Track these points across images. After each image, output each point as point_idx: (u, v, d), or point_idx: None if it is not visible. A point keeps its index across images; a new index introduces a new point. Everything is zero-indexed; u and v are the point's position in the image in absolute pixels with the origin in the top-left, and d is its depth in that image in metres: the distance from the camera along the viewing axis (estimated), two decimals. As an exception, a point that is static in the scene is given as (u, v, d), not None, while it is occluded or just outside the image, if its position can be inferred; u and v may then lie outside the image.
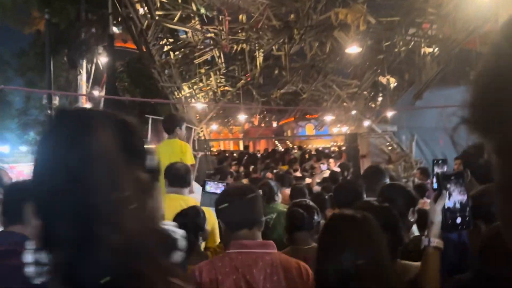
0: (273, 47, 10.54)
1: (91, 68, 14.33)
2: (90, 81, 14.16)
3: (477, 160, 2.18)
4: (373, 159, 13.49)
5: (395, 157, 12.94)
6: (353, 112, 14.54)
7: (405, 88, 12.22)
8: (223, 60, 10.59)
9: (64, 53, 14.47)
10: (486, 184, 1.99)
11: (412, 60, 10.61)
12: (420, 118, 14.08)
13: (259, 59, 10.65)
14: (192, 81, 11.04)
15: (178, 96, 10.71)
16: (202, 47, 10.24)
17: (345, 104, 13.94)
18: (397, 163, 12.87)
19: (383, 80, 12.60)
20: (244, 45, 10.42)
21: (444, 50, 9.29)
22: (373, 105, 13.56)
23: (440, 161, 3.15)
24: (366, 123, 13.75)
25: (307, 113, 15.91)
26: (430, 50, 10.16)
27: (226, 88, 12.10)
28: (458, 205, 1.51)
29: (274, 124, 27.83)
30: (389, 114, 13.48)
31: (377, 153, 13.42)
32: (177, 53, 10.01)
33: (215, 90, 11.89)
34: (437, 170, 2.93)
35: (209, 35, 9.61)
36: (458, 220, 1.49)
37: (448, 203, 1.50)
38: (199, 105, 10.94)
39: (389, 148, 13.13)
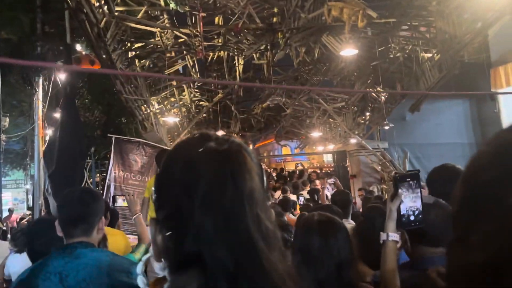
0: (254, 55, 9.29)
1: (48, 86, 12.71)
2: (48, 100, 12.54)
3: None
4: (364, 179, 12.32)
5: (389, 177, 11.79)
6: (339, 128, 13.41)
7: (398, 100, 11.17)
8: (197, 70, 9.25)
9: (18, 70, 12.87)
10: None
11: (408, 68, 9.56)
12: (411, 134, 13.11)
13: (239, 68, 9.37)
14: (162, 95, 9.63)
15: (146, 112, 9.26)
16: (173, 54, 8.89)
17: (331, 120, 12.78)
18: (391, 183, 11.70)
19: (372, 93, 11.54)
20: (222, 52, 9.13)
21: (446, 54, 8.25)
22: (361, 120, 12.46)
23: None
24: (353, 140, 12.62)
25: (288, 132, 14.66)
26: (429, 55, 9.12)
27: (202, 102, 10.75)
28: (412, 204, 1.64)
29: (250, 147, 26.34)
30: (381, 129, 12.41)
31: (369, 172, 12.27)
32: (143, 61, 8.62)
33: (189, 105, 10.51)
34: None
35: (181, 40, 8.28)
36: (412, 217, 1.62)
37: (404, 202, 1.64)
38: (171, 120, 9.51)
39: (381, 166, 11.97)
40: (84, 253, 1.81)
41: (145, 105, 9.22)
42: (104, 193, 9.05)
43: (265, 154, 34.79)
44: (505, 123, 12.65)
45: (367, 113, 12.05)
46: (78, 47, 12.16)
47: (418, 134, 12.98)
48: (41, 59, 12.41)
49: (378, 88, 11.24)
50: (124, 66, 8.53)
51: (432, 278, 1.39)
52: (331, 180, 9.99)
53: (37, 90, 12.55)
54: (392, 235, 1.67)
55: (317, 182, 11.47)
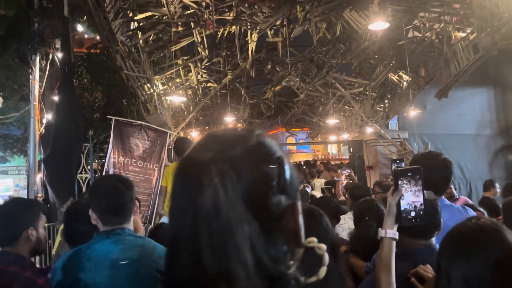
0: (268, 32, 8.42)
1: (45, 65, 11.86)
2: (44, 80, 11.69)
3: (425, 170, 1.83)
4: (382, 171, 11.49)
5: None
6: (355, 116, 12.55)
7: (422, 86, 10.29)
8: (206, 46, 8.37)
9: (14, 47, 12.03)
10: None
11: (437, 49, 8.67)
12: (432, 123, 12.26)
13: (252, 45, 8.50)
14: (167, 74, 8.79)
15: (149, 92, 8.44)
16: (180, 28, 8.02)
17: (346, 107, 11.92)
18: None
19: (393, 77, 10.67)
20: (233, 28, 8.27)
21: (484, 33, 7.36)
22: (378, 108, 11.60)
23: (397, 161, 3.55)
24: (370, 129, 11.77)
25: (299, 120, 13.79)
26: (463, 34, 8.22)
27: (209, 84, 9.90)
28: (414, 200, 1.58)
29: None
30: (401, 118, 11.58)
31: (387, 164, 11.42)
32: (147, 34, 7.76)
33: (196, 87, 9.67)
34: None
35: (188, 12, 7.42)
36: (412, 213, 1.57)
37: (405, 198, 1.57)
38: (176, 99, 8.66)
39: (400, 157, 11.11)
40: (128, 238, 1.87)
41: (148, 85, 8.39)
42: (102, 180, 8.21)
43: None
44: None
45: (386, 100, 11.20)
46: (79, 27, 11.32)
47: (439, 124, 12.14)
48: (39, 36, 11.54)
49: (401, 73, 10.38)
50: (125, 39, 7.70)
51: (413, 282, 1.55)
52: (346, 172, 9.24)
53: (33, 69, 11.67)
54: (390, 232, 1.62)
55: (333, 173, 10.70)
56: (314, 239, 0.75)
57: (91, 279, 1.73)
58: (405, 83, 10.42)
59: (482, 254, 1.27)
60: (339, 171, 9.72)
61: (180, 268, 0.63)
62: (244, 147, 0.68)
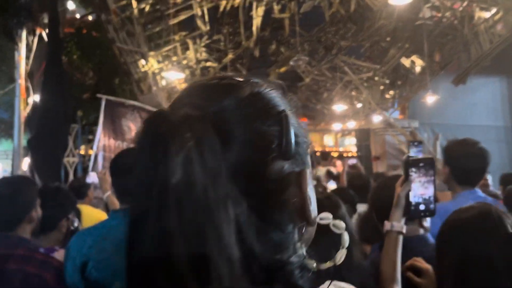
0: (275, 6, 7.68)
1: (32, 40, 11.04)
2: (31, 57, 10.89)
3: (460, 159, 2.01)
4: (389, 161, 10.86)
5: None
6: (359, 104, 11.88)
7: (436, 72, 9.62)
8: (207, 20, 7.63)
9: None
10: (464, 185, 2.08)
11: (457, 31, 7.98)
12: (443, 113, 11.62)
13: (257, 21, 7.75)
14: (163, 51, 8.05)
15: (143, 69, 7.72)
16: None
17: (353, 93, 11.24)
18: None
19: (405, 62, 9.97)
20: (237, 0, 7.52)
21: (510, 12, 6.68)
22: (387, 96, 10.94)
23: (416, 143, 2.84)
24: (377, 117, 11.12)
25: (302, 107, 13.09)
26: (487, 14, 7.53)
27: (209, 63, 9.16)
28: (424, 192, 1.51)
29: None
30: (410, 106, 10.94)
31: (395, 154, 10.79)
32: (143, 4, 7.01)
33: (194, 66, 8.93)
34: (412, 153, 2.53)
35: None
36: (422, 207, 1.52)
37: (414, 190, 1.50)
38: (173, 76, 7.92)
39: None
40: None
41: (143, 61, 7.67)
42: (91, 164, 7.64)
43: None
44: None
45: (397, 87, 10.52)
46: (71, 4, 10.51)
47: (451, 113, 11.51)
48: (26, 9, 10.69)
49: (414, 57, 9.68)
50: (119, 9, 6.94)
51: (409, 276, 1.55)
52: (352, 162, 8.67)
53: (19, 44, 10.83)
54: (396, 225, 1.51)
55: (338, 163, 10.08)
56: (329, 215, 0.65)
57: (106, 260, 1.64)
58: (418, 68, 9.74)
59: (494, 239, 1.26)
60: (345, 160, 9.10)
61: (142, 256, 0.49)
62: (233, 100, 0.53)
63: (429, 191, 1.52)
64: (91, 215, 3.15)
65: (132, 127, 7.88)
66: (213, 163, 0.48)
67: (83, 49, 9.39)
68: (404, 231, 1.53)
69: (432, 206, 1.52)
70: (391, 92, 10.66)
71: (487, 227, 1.28)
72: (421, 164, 1.51)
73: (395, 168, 10.13)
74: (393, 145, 10.72)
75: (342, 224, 0.64)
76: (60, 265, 1.80)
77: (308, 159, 0.60)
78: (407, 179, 1.50)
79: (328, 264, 0.61)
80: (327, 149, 19.46)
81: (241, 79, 0.57)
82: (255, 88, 0.56)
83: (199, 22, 7.52)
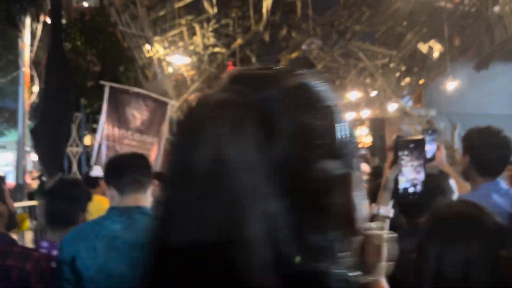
0: (286, -13, 7.26)
1: (36, 28, 10.72)
2: (35, 44, 10.56)
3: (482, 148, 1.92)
4: (405, 152, 10.42)
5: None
6: (373, 92, 11.43)
7: (455, 57, 9.14)
8: (214, 3, 7.23)
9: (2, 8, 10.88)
10: (486, 176, 1.98)
11: (480, 13, 7.49)
12: (461, 101, 11.11)
13: (267, 2, 7.32)
14: (168, 35, 7.68)
15: (148, 55, 7.37)
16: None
17: (368, 81, 10.79)
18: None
19: (422, 48, 9.50)
20: (246, -19, 7.12)
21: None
22: (403, 83, 10.48)
23: (430, 131, 2.11)
24: (392, 106, 10.67)
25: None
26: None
27: (217, 49, 8.78)
28: (414, 175, 1.44)
29: None
30: (427, 93, 10.48)
31: (411, 145, 10.33)
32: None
33: (201, 52, 8.55)
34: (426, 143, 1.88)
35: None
36: (411, 189, 1.45)
37: (403, 172, 1.42)
38: (179, 61, 7.55)
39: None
40: (142, 218, 1.81)
41: (148, 46, 7.32)
42: (95, 154, 7.37)
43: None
44: None
45: (413, 74, 10.05)
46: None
47: (469, 102, 10.97)
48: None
49: (432, 42, 9.19)
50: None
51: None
52: (361, 153, 8.29)
53: (23, 31, 10.51)
54: (383, 209, 1.44)
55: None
56: (376, 225, 0.65)
57: (93, 258, 1.67)
58: (436, 53, 9.26)
59: (481, 235, 1.27)
60: None
61: (175, 242, 0.49)
62: (279, 90, 0.49)
63: (419, 174, 1.46)
64: (100, 205, 3.01)
65: (136, 115, 7.59)
66: (250, 154, 0.45)
67: (87, 36, 9.05)
68: (391, 215, 1.49)
69: (420, 188, 1.46)
70: (407, 79, 10.19)
71: (464, 228, 1.32)
72: (411, 146, 1.45)
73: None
74: (410, 134, 10.24)
75: (388, 235, 0.63)
76: (42, 257, 1.81)
77: (355, 162, 0.54)
78: (396, 161, 1.44)
79: (371, 278, 0.58)
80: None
81: (287, 69, 0.52)
82: (302, 79, 0.51)
83: (206, 5, 7.13)
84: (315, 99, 0.50)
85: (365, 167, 8.42)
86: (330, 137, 0.49)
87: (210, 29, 8.33)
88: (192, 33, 8.38)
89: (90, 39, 9.12)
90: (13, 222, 1.99)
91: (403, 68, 9.61)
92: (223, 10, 8.08)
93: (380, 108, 10.99)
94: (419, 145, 1.46)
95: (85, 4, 12.30)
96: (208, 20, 7.95)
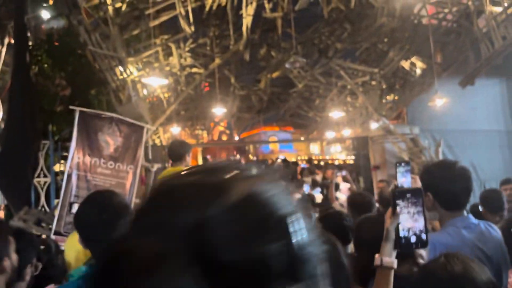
0: (266, 5, 6.94)
1: (0, 50, 10.09)
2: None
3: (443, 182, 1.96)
4: (390, 171, 10.13)
5: (419, 169, 9.66)
6: (355, 110, 11.21)
7: (438, 74, 8.99)
8: (192, 22, 6.83)
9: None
10: (452, 211, 2.00)
11: (465, 29, 7.35)
12: (442, 118, 10.98)
13: (247, 20, 6.98)
14: (143, 56, 7.24)
15: (121, 77, 6.89)
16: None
17: (349, 99, 10.56)
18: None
19: (404, 64, 9.35)
20: (224, -1, 6.77)
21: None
22: (384, 101, 10.28)
23: (403, 164, 2.40)
24: (375, 124, 10.45)
25: (293, 115, 12.37)
26: (499, 9, 6.91)
27: (194, 69, 8.36)
28: (413, 224, 1.48)
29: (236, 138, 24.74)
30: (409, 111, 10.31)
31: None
32: (118, 2, 6.18)
33: (178, 73, 8.12)
34: (400, 176, 2.34)
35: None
36: (413, 239, 1.49)
37: (403, 221, 1.48)
38: (155, 82, 7.08)
39: (411, 156, 9.82)
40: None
41: (121, 68, 6.84)
42: (64, 185, 6.81)
43: (251, 148, 32.85)
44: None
45: (396, 91, 9.87)
46: (45, 14, 9.62)
47: (450, 118, 10.85)
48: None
49: (414, 59, 9.05)
50: (90, 8, 6.11)
51: None
52: (342, 173, 8.02)
53: (-15, 53, 9.87)
54: (387, 260, 1.48)
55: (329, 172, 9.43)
56: None
57: None
58: (418, 70, 9.11)
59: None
60: (334, 171, 8.35)
61: None
62: (219, 210, 0.41)
63: (419, 222, 1.48)
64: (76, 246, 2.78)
65: (110, 141, 7.07)
66: None
67: (55, 57, 8.51)
68: (395, 266, 1.49)
69: (424, 236, 1.48)
70: (389, 97, 10.00)
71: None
72: (408, 195, 1.48)
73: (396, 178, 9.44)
74: (394, 153, 10.02)
75: None
76: None
77: (321, 277, 0.46)
78: (395, 212, 1.47)
79: None
80: (314, 157, 18.89)
81: (229, 174, 0.43)
82: (249, 187, 0.43)
83: (183, 23, 6.73)
84: (266, 213, 0.42)
85: (345, 187, 8.09)
86: (287, 258, 0.41)
87: (187, 49, 7.92)
88: (168, 53, 7.96)
89: (59, 61, 8.60)
90: (14, 278, 1.87)
91: (384, 86, 9.41)
92: (201, 29, 7.69)
93: (363, 127, 10.76)
94: (416, 194, 1.48)
95: (54, 25, 11.77)
96: (185, 39, 7.55)
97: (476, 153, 11.15)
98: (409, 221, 1.48)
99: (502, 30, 6.68)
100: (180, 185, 0.44)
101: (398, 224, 1.47)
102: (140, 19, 6.28)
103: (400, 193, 1.50)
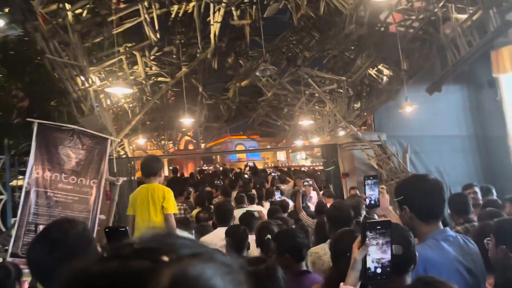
0: (234, 12, 6.78)
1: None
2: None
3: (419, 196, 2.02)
4: (359, 178, 10.15)
5: (388, 175, 9.72)
6: (323, 118, 11.21)
7: (404, 81, 9.09)
8: (157, 29, 6.57)
9: None
10: (429, 222, 2.03)
11: (431, 36, 7.43)
12: (407, 124, 11.14)
13: (215, 27, 6.79)
14: (106, 65, 6.91)
15: (83, 87, 6.55)
16: (121, 1, 6.19)
17: (317, 107, 10.53)
18: (393, 184, 9.65)
19: (372, 72, 9.41)
20: (190, 5, 6.55)
21: (491, 10, 6.18)
22: (352, 109, 10.31)
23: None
24: (342, 132, 10.50)
25: (261, 124, 12.22)
26: (463, 16, 7.02)
27: (160, 79, 8.08)
28: (381, 256, 1.49)
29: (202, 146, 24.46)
30: (376, 118, 10.38)
31: (364, 170, 10.10)
32: (78, 9, 5.86)
33: (143, 82, 7.81)
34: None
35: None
36: (378, 270, 1.49)
37: (371, 253, 1.49)
38: (119, 91, 6.76)
39: (379, 162, 9.87)
40: None
41: (82, 77, 6.48)
42: (21, 202, 6.36)
43: (218, 158, 32.54)
44: (508, 113, 11.03)
45: (363, 98, 9.91)
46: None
47: (415, 125, 11.02)
48: None
49: (380, 66, 9.13)
50: (48, 15, 5.75)
51: None
52: (308, 182, 7.92)
53: None
54: None
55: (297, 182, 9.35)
56: None
57: None
58: (385, 77, 9.18)
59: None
60: (301, 180, 8.25)
61: None
62: None
63: (386, 254, 1.49)
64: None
65: (71, 155, 6.69)
66: None
67: (10, 67, 8.02)
68: None
69: (388, 269, 1.49)
70: (356, 105, 10.03)
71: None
72: (378, 227, 1.49)
73: (359, 184, 9.44)
74: (362, 160, 10.04)
75: None
76: None
77: None
78: (364, 242, 1.47)
79: None
80: (280, 165, 18.82)
81: (158, 255, 0.40)
82: (180, 270, 0.40)
83: (147, 30, 6.46)
84: None
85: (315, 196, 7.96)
86: None
87: (152, 57, 7.64)
88: (132, 62, 7.66)
89: (14, 71, 8.13)
90: None
91: (351, 93, 9.42)
92: (167, 36, 7.43)
93: (331, 135, 10.74)
94: (386, 226, 1.48)
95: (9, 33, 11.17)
96: (150, 47, 7.27)
97: (441, 158, 11.38)
98: (377, 252, 1.48)
99: (469, 36, 6.79)
100: (99, 276, 0.40)
101: (365, 255, 1.47)
102: (102, 26, 5.96)
103: (371, 224, 1.50)
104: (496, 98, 11.32)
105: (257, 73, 6.13)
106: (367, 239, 1.48)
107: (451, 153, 11.69)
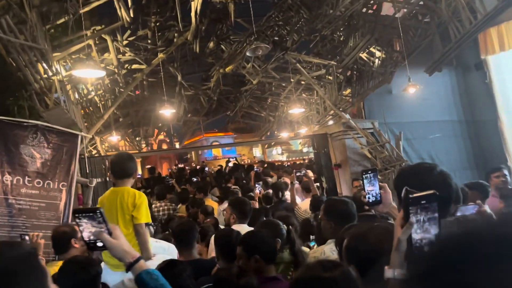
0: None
1: None
2: None
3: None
4: (352, 169, 9.54)
5: (382, 165, 9.14)
6: (311, 106, 10.55)
7: (399, 63, 8.52)
8: (130, 11, 5.72)
9: None
10: None
11: (431, 11, 6.84)
12: (399, 110, 10.63)
13: (196, 3, 5.97)
14: (71, 50, 6.02)
15: (46, 76, 5.65)
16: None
17: (304, 95, 9.85)
18: (388, 173, 9.08)
19: (362, 55, 8.79)
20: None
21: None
22: (343, 95, 9.69)
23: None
24: (334, 120, 9.90)
25: (244, 116, 11.47)
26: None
27: (134, 67, 7.22)
28: (427, 234, 1.33)
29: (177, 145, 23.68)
30: (366, 104, 9.80)
31: (357, 160, 9.50)
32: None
33: (116, 71, 6.93)
34: (367, 185, 2.21)
35: None
36: (425, 248, 1.34)
37: (416, 231, 1.33)
38: (89, 74, 5.88)
39: (373, 151, 9.29)
40: None
41: (44, 64, 5.58)
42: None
43: (193, 155, 31.66)
44: (497, 96, 10.66)
45: (354, 83, 9.28)
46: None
47: (406, 111, 10.51)
48: None
49: (372, 48, 8.52)
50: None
51: None
52: (301, 172, 7.32)
53: None
54: (399, 273, 1.36)
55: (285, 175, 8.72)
56: None
57: None
58: (377, 60, 8.58)
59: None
60: (294, 171, 7.63)
61: None
62: None
63: (431, 232, 1.33)
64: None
65: (36, 155, 5.81)
66: None
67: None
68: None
69: None
70: (347, 91, 9.41)
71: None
72: (423, 202, 1.33)
73: (359, 176, 8.85)
74: (355, 149, 9.43)
75: None
76: None
77: None
78: (407, 219, 1.33)
79: None
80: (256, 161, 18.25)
81: None
82: None
83: (118, 8, 5.60)
84: None
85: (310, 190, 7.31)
86: None
87: (125, 42, 6.78)
88: (103, 49, 6.77)
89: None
90: None
91: (341, 78, 8.78)
92: (140, 16, 6.57)
93: (321, 124, 10.10)
94: (432, 199, 1.32)
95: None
96: (123, 29, 6.41)
97: (432, 144, 10.92)
98: (421, 230, 1.34)
99: (478, 4, 6.20)
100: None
101: (410, 234, 1.33)
102: (65, 2, 5.08)
103: (414, 199, 1.33)
104: (485, 81, 10.92)
105: (248, 53, 5.39)
106: (411, 216, 1.31)
107: (443, 138, 11.26)
